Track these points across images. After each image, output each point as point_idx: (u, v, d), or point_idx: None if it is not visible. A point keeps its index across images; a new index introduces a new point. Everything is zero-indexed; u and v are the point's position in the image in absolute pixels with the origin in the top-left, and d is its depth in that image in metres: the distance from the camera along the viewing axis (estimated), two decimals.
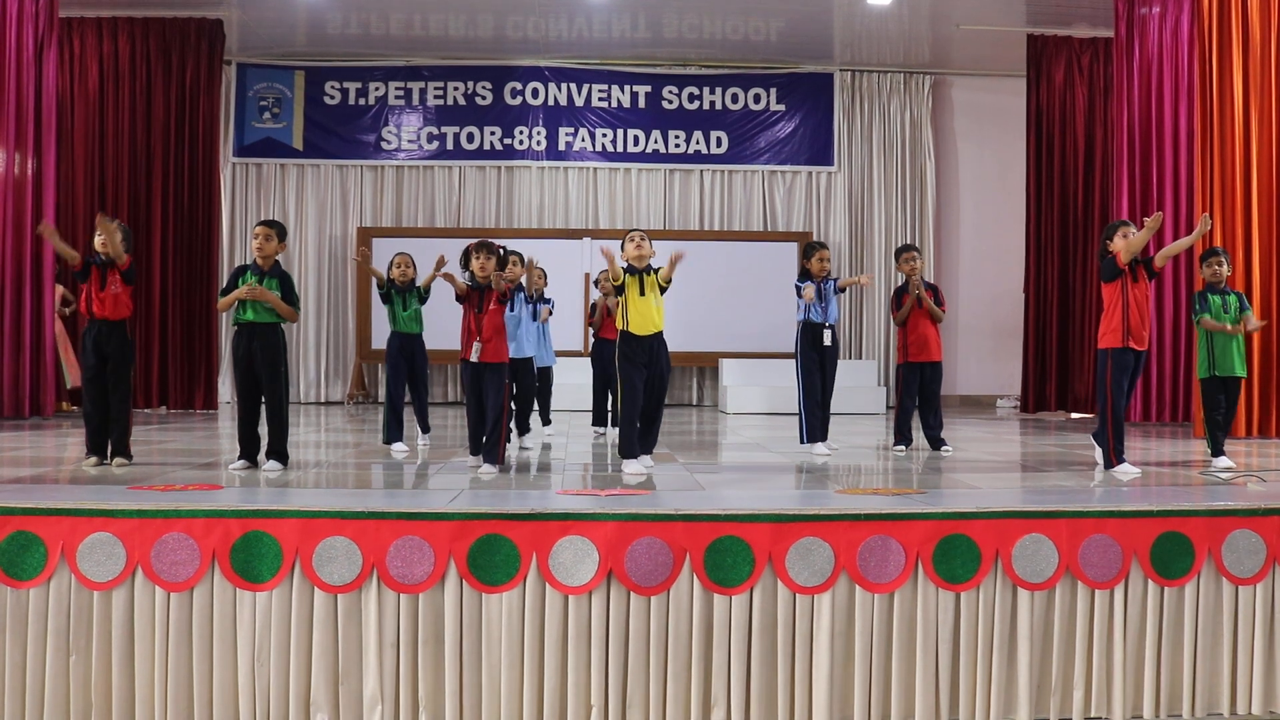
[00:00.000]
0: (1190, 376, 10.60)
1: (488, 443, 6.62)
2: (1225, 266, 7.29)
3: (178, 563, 4.50)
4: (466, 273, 6.83)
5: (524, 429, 8.57)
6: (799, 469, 6.99)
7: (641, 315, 6.68)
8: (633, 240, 6.71)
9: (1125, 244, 6.53)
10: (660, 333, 6.79)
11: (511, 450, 7.78)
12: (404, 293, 8.25)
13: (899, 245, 11.29)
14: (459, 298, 6.73)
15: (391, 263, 8.33)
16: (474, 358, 6.63)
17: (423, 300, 8.32)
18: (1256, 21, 9.77)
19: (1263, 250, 9.65)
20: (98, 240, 6.60)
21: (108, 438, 6.60)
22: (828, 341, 8.09)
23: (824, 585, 4.59)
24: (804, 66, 15.63)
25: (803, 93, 15.71)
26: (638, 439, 6.70)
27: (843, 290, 8.38)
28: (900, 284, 8.52)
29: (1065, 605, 4.72)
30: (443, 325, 10.29)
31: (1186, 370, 11.13)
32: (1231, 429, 7.43)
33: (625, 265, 6.72)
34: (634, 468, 6.50)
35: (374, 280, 8.50)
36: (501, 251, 6.87)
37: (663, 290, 6.78)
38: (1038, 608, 4.69)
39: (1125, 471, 6.50)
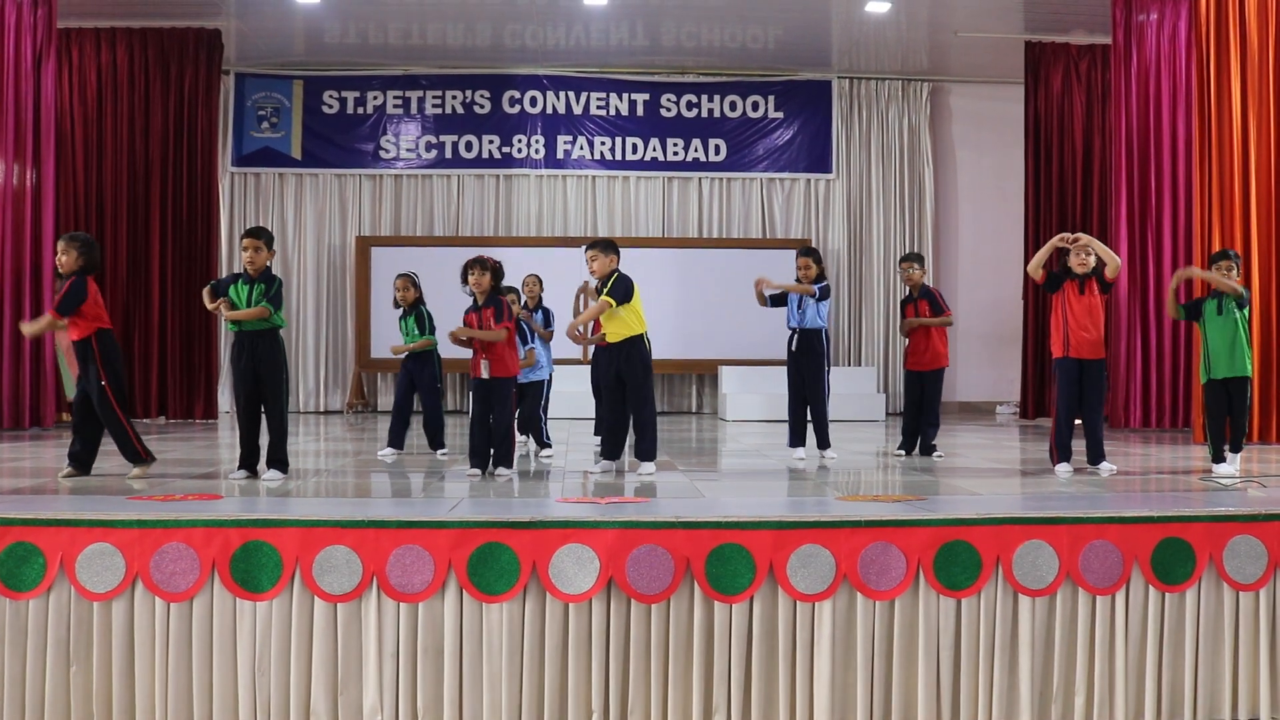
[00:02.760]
0: (1190, 382, 10.59)
1: (500, 450, 6.78)
2: (1235, 271, 7.27)
3: (177, 573, 4.49)
4: (466, 288, 6.90)
5: (543, 442, 8.59)
6: (799, 476, 6.98)
7: (610, 325, 6.97)
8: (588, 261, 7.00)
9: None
10: (634, 337, 6.94)
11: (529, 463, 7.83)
12: (404, 317, 8.35)
13: (904, 253, 11.29)
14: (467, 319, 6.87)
15: (394, 285, 8.42)
16: (485, 374, 6.74)
17: (420, 320, 8.38)
18: (1254, 27, 9.78)
19: (1261, 256, 9.65)
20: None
21: (92, 452, 6.60)
22: (794, 347, 8.15)
23: (825, 593, 4.59)
24: (802, 74, 15.65)
25: (801, 100, 15.73)
26: (609, 442, 7.11)
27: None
28: (905, 295, 8.68)
29: (1066, 611, 4.71)
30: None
31: (1186, 376, 11.13)
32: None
33: (596, 283, 7.03)
34: (599, 467, 7.06)
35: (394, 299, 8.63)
36: (497, 266, 6.92)
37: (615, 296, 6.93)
38: (1039, 614, 4.69)
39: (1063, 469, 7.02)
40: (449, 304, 11.69)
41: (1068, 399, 7.08)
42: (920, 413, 8.50)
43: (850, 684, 4.62)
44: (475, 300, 6.80)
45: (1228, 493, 5.88)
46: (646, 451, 6.98)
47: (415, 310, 8.39)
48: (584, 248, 7.07)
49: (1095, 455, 7.14)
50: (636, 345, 6.94)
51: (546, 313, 9.05)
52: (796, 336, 8.12)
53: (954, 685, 4.67)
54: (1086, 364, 7.04)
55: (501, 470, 6.76)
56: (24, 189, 11.06)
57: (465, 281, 6.89)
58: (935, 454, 8.29)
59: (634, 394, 6.96)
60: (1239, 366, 7.16)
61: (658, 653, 4.56)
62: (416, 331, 8.35)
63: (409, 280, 8.45)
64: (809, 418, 8.26)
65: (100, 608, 4.50)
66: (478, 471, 6.78)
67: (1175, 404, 11.57)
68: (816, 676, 4.60)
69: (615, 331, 6.92)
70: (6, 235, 10.86)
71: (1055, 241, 7.23)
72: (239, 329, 6.46)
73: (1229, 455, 7.13)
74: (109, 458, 7.03)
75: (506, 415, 6.79)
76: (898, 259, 9.12)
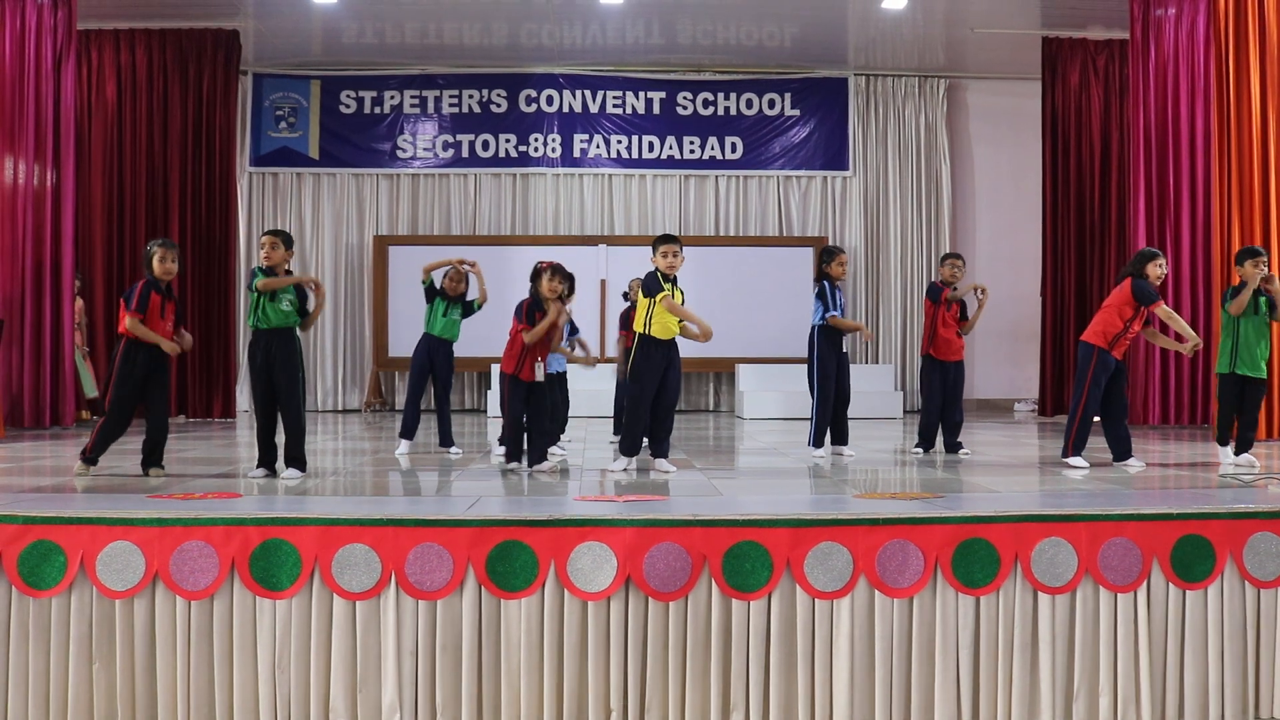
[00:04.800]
0: (1209, 378, 10.54)
1: (534, 447, 6.94)
2: (1264, 269, 7.26)
3: (197, 571, 4.51)
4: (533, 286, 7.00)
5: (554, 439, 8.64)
6: (816, 474, 6.98)
7: (667, 321, 6.87)
8: (666, 256, 6.87)
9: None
10: (675, 339, 6.99)
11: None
12: (449, 300, 8.36)
13: (947, 252, 11.07)
14: (529, 316, 6.89)
15: (445, 272, 8.45)
16: (539, 376, 6.90)
17: (467, 313, 8.42)
18: (1273, 21, 9.73)
19: None
20: (160, 266, 6.54)
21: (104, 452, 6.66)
22: (845, 346, 8.14)
23: (843, 590, 4.58)
24: (818, 71, 15.62)
25: (817, 97, 15.70)
26: (635, 440, 7.01)
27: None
28: (938, 281, 8.62)
29: (1087, 609, 4.70)
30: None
31: (1205, 373, 11.07)
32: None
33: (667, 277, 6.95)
34: (620, 465, 6.93)
35: (433, 279, 8.48)
36: (572, 279, 7.05)
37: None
38: (1059, 612, 4.67)
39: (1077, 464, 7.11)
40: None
41: (1098, 395, 7.14)
42: (946, 408, 8.41)
43: (869, 682, 4.61)
44: (538, 300, 6.89)
45: (1247, 489, 5.85)
46: (668, 449, 7.01)
47: (462, 301, 8.44)
48: (662, 240, 6.94)
49: (1128, 451, 7.20)
50: (676, 347, 7.00)
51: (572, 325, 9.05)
52: (843, 334, 8.14)
53: (974, 684, 4.66)
54: (1119, 362, 7.19)
55: (542, 464, 6.92)
56: (44, 190, 11.13)
57: (534, 280, 6.98)
58: (962, 451, 8.24)
59: (674, 395, 6.97)
60: (1263, 367, 7.20)
61: (675, 650, 4.56)
62: (458, 316, 8.40)
63: (461, 272, 8.51)
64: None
65: (121, 606, 4.53)
66: (514, 465, 6.94)
67: (1194, 400, 11.51)
68: (835, 674, 4.59)
69: (668, 329, 6.87)
70: (28, 236, 10.93)
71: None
72: (256, 328, 6.50)
73: (1242, 457, 7.17)
74: (127, 457, 7.08)
75: (545, 413, 7.02)
76: (940, 256, 9.15)
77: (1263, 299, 7.17)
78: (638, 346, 6.93)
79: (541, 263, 7.07)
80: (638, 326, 6.93)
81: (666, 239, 6.94)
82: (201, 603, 4.52)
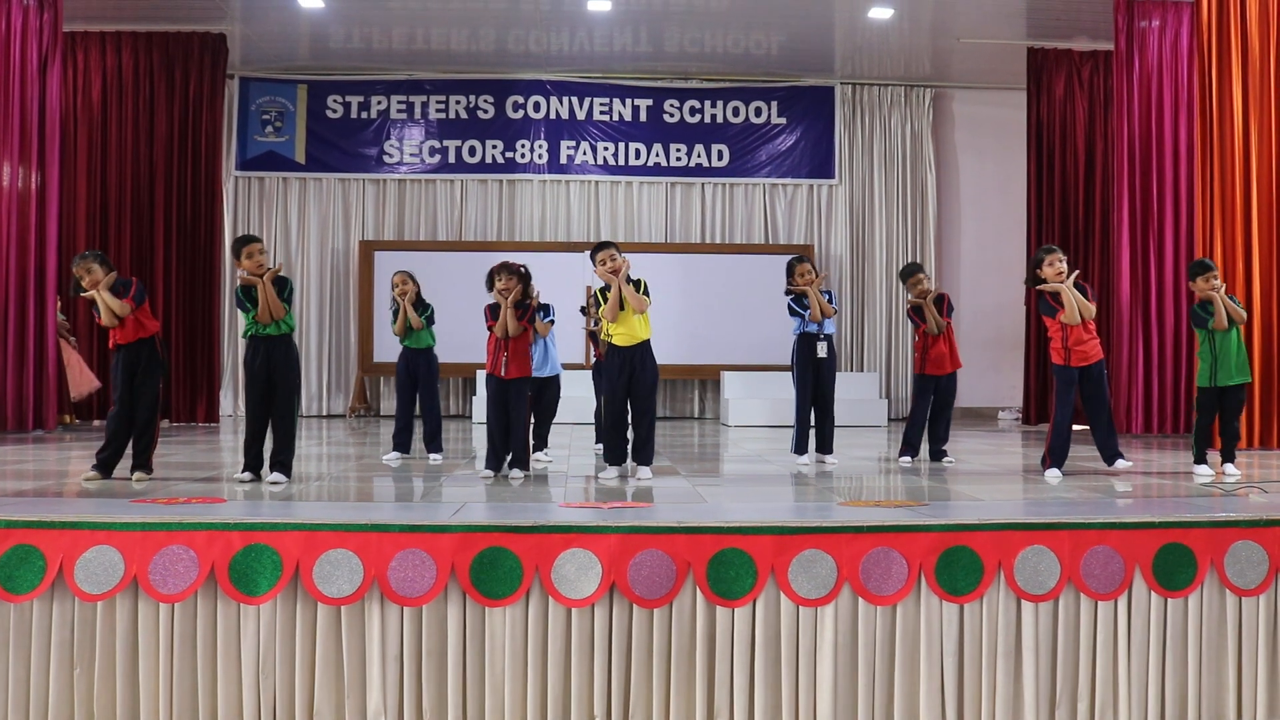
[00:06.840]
0: (1192, 388, 10.59)
1: (516, 451, 6.88)
2: (1216, 281, 7.28)
3: (176, 575, 4.49)
4: (492, 294, 7.01)
5: (541, 444, 8.60)
6: (801, 481, 6.99)
7: (626, 327, 6.90)
8: (604, 262, 6.89)
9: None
10: (647, 341, 6.97)
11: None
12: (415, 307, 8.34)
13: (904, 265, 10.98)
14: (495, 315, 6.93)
15: (391, 282, 8.40)
16: (503, 372, 6.85)
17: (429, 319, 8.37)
18: (1255, 34, 9.80)
19: (1263, 262, 9.66)
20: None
21: (119, 457, 6.64)
22: (822, 353, 8.13)
23: (826, 597, 4.59)
24: (805, 80, 15.67)
25: (804, 106, 15.75)
26: (615, 447, 7.02)
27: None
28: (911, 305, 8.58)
29: (1069, 617, 4.71)
30: (446, 339, 10.27)
31: (1188, 381, 11.14)
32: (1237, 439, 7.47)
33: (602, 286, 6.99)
34: (610, 474, 6.91)
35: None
36: (522, 270, 6.97)
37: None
38: (1042, 620, 4.69)
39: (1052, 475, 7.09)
40: (453, 307, 11.74)
41: (1066, 409, 7.19)
42: (934, 418, 8.40)
43: (852, 689, 4.62)
44: (497, 307, 6.90)
45: (1228, 498, 5.88)
46: (649, 456, 7.00)
47: (419, 303, 8.39)
48: (596, 250, 6.95)
49: (1113, 455, 7.29)
50: (650, 351, 6.98)
51: (546, 307, 9.00)
52: (825, 343, 8.13)
53: (958, 692, 4.67)
54: (1089, 368, 7.15)
55: (516, 472, 6.86)
56: (29, 193, 11.09)
57: (491, 288, 6.99)
58: (947, 459, 8.24)
59: (645, 400, 6.95)
60: (1243, 372, 7.22)
61: (660, 658, 4.56)
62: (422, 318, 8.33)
63: (407, 275, 8.45)
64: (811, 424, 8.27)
65: (103, 610, 4.50)
66: (491, 473, 6.84)
67: (1177, 409, 11.57)
68: (819, 682, 4.60)
69: (631, 335, 6.88)
70: (12, 239, 10.88)
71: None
72: (255, 332, 6.47)
73: (1228, 467, 7.20)
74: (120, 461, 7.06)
75: (521, 415, 6.90)
76: (899, 271, 9.10)
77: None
78: (605, 353, 7.02)
79: (493, 268, 7.06)
80: (604, 334, 7.04)
81: (601, 252, 6.93)
82: (183, 607, 4.49)
